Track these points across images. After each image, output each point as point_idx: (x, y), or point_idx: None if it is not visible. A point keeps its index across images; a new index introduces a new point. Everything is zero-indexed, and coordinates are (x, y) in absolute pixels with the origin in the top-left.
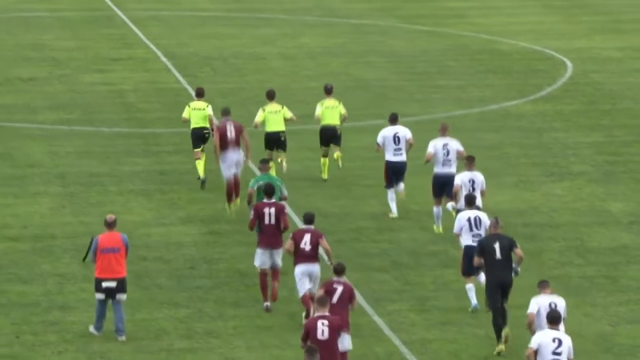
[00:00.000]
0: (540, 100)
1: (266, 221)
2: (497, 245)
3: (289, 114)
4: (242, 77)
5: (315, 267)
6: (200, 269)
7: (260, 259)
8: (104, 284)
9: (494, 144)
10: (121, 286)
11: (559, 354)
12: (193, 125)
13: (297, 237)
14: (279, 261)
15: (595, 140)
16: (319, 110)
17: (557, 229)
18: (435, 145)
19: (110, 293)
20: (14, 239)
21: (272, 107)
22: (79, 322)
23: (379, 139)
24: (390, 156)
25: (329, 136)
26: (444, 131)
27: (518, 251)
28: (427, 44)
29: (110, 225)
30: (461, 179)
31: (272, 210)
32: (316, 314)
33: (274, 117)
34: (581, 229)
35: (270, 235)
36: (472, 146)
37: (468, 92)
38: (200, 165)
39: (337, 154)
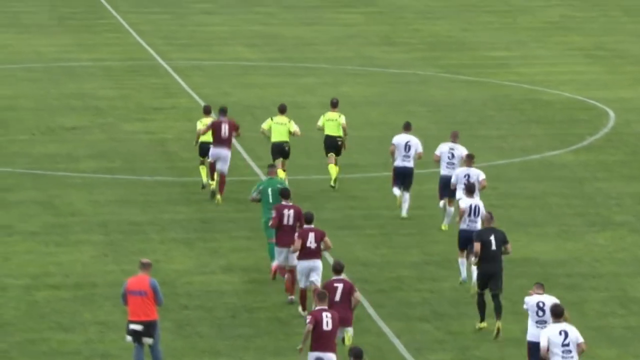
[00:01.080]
0: (583, 150)
1: (285, 222)
2: (492, 238)
3: (293, 128)
4: None
5: (318, 262)
6: (241, 318)
7: (278, 257)
8: (131, 326)
9: (536, 194)
10: (147, 330)
11: (567, 345)
12: (204, 139)
13: (303, 236)
14: (293, 261)
15: (637, 191)
16: (320, 121)
17: (600, 279)
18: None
19: (137, 336)
20: (56, 287)
21: (280, 119)
22: None
23: (394, 141)
24: (399, 162)
25: (331, 145)
26: (454, 138)
27: (509, 246)
28: (468, 93)
29: (142, 267)
30: (456, 174)
31: (291, 212)
32: (318, 307)
33: (280, 128)
34: (624, 279)
35: (288, 234)
36: (514, 195)
37: (510, 142)
38: (203, 171)
39: (336, 160)
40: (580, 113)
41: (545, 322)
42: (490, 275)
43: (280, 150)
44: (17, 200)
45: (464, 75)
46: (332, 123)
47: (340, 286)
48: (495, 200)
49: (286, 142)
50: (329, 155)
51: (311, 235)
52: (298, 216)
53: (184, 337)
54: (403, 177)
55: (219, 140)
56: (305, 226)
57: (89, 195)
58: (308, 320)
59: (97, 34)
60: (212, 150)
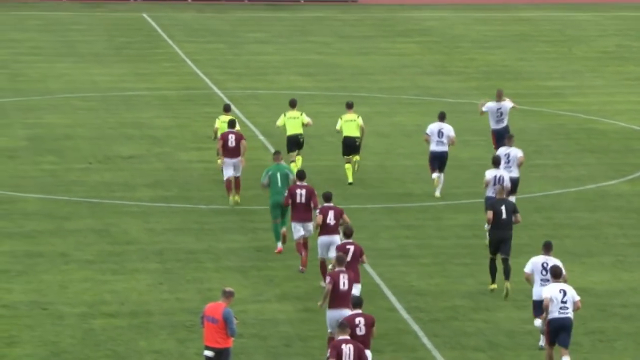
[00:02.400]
0: (639, 180)
1: (298, 200)
2: (503, 208)
3: (306, 120)
4: (337, 154)
5: (336, 238)
6: (295, 347)
7: (295, 230)
8: (205, 352)
9: (591, 224)
10: (218, 357)
11: (565, 303)
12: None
13: (324, 213)
14: (309, 231)
15: None
16: (339, 124)
17: None
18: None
19: None
20: (112, 316)
21: (292, 113)
22: None
23: (427, 131)
24: (433, 146)
25: (350, 146)
26: (441, 118)
27: (518, 216)
28: (524, 122)
29: (222, 295)
30: (499, 152)
31: (303, 191)
32: (336, 269)
33: (293, 122)
34: None
35: (301, 211)
36: (569, 226)
37: (565, 171)
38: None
39: (356, 157)
40: (636, 143)
41: (548, 280)
42: (500, 240)
43: (295, 142)
44: (74, 228)
45: (519, 105)
46: (351, 124)
47: (351, 248)
48: (549, 231)
49: (300, 134)
50: (346, 156)
51: (331, 213)
52: (310, 195)
53: None
54: (439, 160)
55: (228, 150)
56: (325, 204)
57: (145, 223)
58: (327, 281)
59: (153, 63)
60: (224, 161)
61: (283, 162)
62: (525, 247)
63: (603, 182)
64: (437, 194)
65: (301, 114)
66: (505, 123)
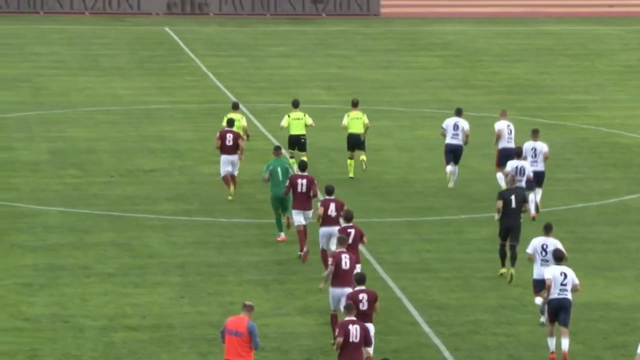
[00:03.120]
0: None
1: (299, 189)
2: (513, 198)
3: (309, 121)
4: (358, 168)
5: (336, 229)
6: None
7: (296, 218)
8: None
9: (614, 238)
10: None
11: (565, 285)
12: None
13: (326, 205)
14: (308, 219)
15: None
16: (345, 120)
17: None
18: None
19: None
20: (133, 329)
21: (296, 114)
22: None
23: (443, 125)
24: (448, 139)
25: (354, 142)
26: (458, 114)
27: (527, 205)
28: (547, 136)
29: (244, 308)
30: (525, 147)
31: (304, 181)
32: (338, 250)
33: (296, 122)
34: None
35: (302, 200)
36: (591, 240)
37: (587, 185)
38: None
39: (362, 157)
40: None
41: (547, 261)
42: (509, 228)
43: (297, 142)
44: (95, 241)
45: (541, 119)
46: (357, 121)
47: (352, 231)
48: (572, 244)
49: (303, 135)
50: (350, 152)
51: (332, 205)
52: (310, 184)
53: None
54: (453, 153)
55: (226, 148)
56: (327, 197)
57: (166, 237)
58: (330, 262)
59: (175, 77)
60: (222, 157)
61: (283, 157)
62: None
63: (626, 196)
64: (451, 185)
65: (304, 115)
66: (512, 144)
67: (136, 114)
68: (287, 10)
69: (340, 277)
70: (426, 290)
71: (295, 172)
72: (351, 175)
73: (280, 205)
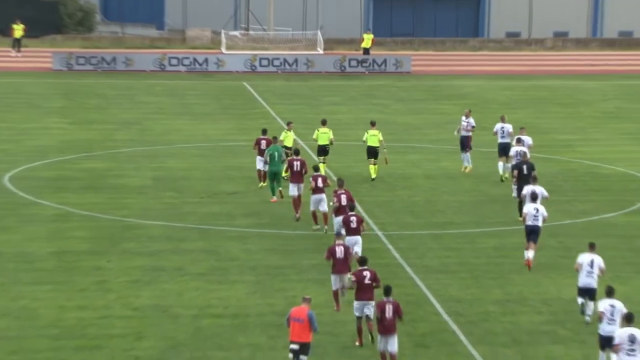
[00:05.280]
0: (633, 213)
1: (294, 169)
2: (525, 167)
3: (331, 136)
4: (393, 192)
5: (323, 196)
6: (363, 343)
7: (292, 189)
8: (291, 346)
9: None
10: (302, 349)
11: (591, 271)
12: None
13: (337, 196)
14: (300, 190)
15: None
16: (365, 136)
17: None
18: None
19: (295, 354)
20: (217, 317)
21: (323, 129)
22: None
23: (495, 129)
24: (463, 133)
25: (372, 153)
26: (503, 120)
27: (534, 173)
28: (543, 168)
29: (304, 301)
30: (517, 137)
31: (298, 163)
32: (336, 242)
33: (323, 135)
34: None
35: (296, 176)
36: (577, 249)
37: (574, 206)
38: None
39: (374, 167)
40: (631, 184)
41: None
42: (522, 187)
43: (323, 150)
44: (188, 248)
45: (538, 154)
46: (374, 137)
47: (355, 219)
48: (562, 252)
49: (327, 145)
50: (369, 159)
51: (343, 197)
52: (302, 165)
53: (316, 356)
54: (464, 144)
55: (260, 150)
56: (338, 189)
57: (242, 245)
58: (326, 256)
59: (251, 120)
60: (258, 158)
61: (278, 145)
62: (540, 266)
63: (605, 215)
64: (468, 171)
65: (329, 131)
66: (507, 140)
67: (221, 149)
68: (338, 69)
69: (337, 265)
70: (446, 288)
71: (283, 157)
72: (373, 177)
73: (275, 178)
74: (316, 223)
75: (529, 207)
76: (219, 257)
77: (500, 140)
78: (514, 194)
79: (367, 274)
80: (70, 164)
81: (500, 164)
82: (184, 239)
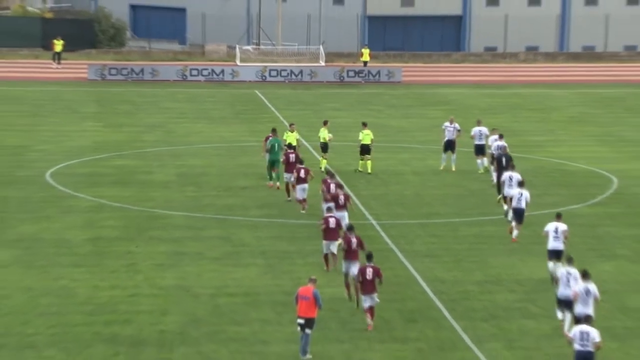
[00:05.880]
0: (595, 205)
1: (290, 160)
2: (504, 158)
3: (330, 135)
4: (386, 186)
5: (306, 186)
6: (356, 317)
7: (287, 176)
8: (298, 321)
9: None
10: (308, 324)
11: (557, 236)
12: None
13: (327, 184)
14: (294, 178)
15: (633, 233)
16: (360, 136)
17: (606, 294)
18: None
19: (302, 327)
20: (232, 295)
21: (324, 129)
22: (275, 353)
23: (473, 132)
24: (448, 136)
25: (365, 150)
26: (479, 123)
27: (512, 162)
28: (517, 165)
29: (310, 281)
30: (491, 139)
31: (293, 155)
32: (326, 215)
33: (323, 133)
34: (623, 294)
35: (292, 166)
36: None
37: (544, 199)
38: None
39: (368, 162)
40: (594, 179)
41: (512, 186)
42: (502, 173)
43: (324, 147)
44: (207, 236)
45: (513, 153)
46: (367, 136)
47: (341, 195)
48: (533, 239)
49: (327, 141)
50: (362, 156)
51: (302, 171)
52: (297, 157)
53: (318, 330)
54: (450, 146)
55: (269, 150)
56: (327, 178)
57: (254, 233)
58: (321, 222)
59: (261, 124)
60: (266, 154)
61: (278, 137)
62: (517, 250)
63: (571, 206)
64: (453, 169)
65: (329, 132)
66: (483, 142)
67: (235, 149)
68: (337, 79)
69: (329, 233)
70: (432, 270)
71: (282, 147)
72: (361, 169)
73: (274, 165)
74: (288, 196)
75: (514, 192)
76: (233, 244)
77: (476, 142)
78: (494, 180)
79: (354, 240)
80: (103, 162)
81: (479, 161)
82: (203, 227)
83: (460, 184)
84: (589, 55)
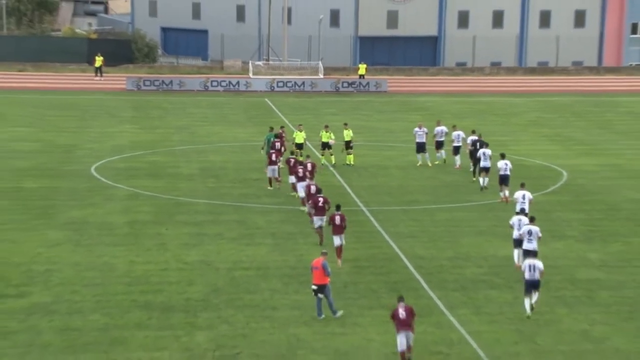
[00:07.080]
0: (548, 194)
1: (276, 148)
2: (478, 145)
3: (332, 137)
4: (375, 178)
5: (293, 178)
6: (349, 288)
7: (270, 170)
8: (312, 287)
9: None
10: (320, 289)
11: (523, 201)
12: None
13: (304, 165)
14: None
15: (580, 217)
16: (344, 134)
17: (557, 269)
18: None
19: (315, 292)
20: (246, 269)
21: (326, 131)
22: (282, 317)
23: (435, 131)
24: (438, 138)
25: (348, 146)
26: (454, 127)
27: (485, 143)
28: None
29: (322, 254)
30: (468, 138)
31: (278, 143)
32: (316, 196)
33: (326, 135)
34: (572, 269)
35: (276, 155)
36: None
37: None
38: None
39: (350, 156)
40: (547, 173)
41: (485, 160)
42: (477, 164)
43: (326, 146)
44: (225, 220)
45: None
46: (348, 134)
47: (310, 164)
48: (497, 223)
49: (328, 142)
50: (348, 150)
51: (309, 165)
52: (282, 144)
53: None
54: (421, 148)
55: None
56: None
57: (265, 217)
58: (309, 205)
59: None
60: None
61: (273, 133)
62: (481, 232)
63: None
64: (430, 165)
65: (331, 134)
66: (443, 138)
67: (248, 148)
68: (334, 89)
69: (318, 210)
70: (412, 248)
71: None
72: (352, 163)
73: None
74: (270, 186)
75: (500, 163)
76: (247, 226)
77: (437, 139)
78: (471, 167)
79: (321, 199)
80: (138, 158)
81: (438, 154)
82: (222, 213)
83: (436, 177)
84: (543, 69)
